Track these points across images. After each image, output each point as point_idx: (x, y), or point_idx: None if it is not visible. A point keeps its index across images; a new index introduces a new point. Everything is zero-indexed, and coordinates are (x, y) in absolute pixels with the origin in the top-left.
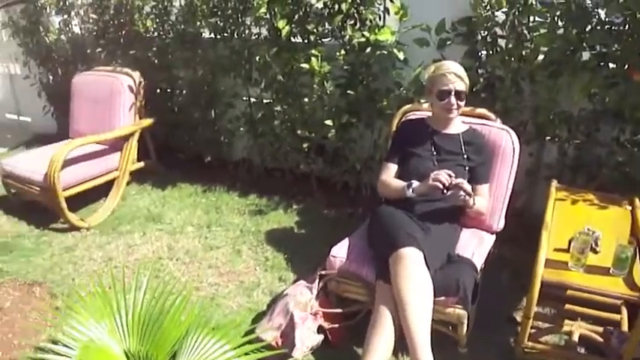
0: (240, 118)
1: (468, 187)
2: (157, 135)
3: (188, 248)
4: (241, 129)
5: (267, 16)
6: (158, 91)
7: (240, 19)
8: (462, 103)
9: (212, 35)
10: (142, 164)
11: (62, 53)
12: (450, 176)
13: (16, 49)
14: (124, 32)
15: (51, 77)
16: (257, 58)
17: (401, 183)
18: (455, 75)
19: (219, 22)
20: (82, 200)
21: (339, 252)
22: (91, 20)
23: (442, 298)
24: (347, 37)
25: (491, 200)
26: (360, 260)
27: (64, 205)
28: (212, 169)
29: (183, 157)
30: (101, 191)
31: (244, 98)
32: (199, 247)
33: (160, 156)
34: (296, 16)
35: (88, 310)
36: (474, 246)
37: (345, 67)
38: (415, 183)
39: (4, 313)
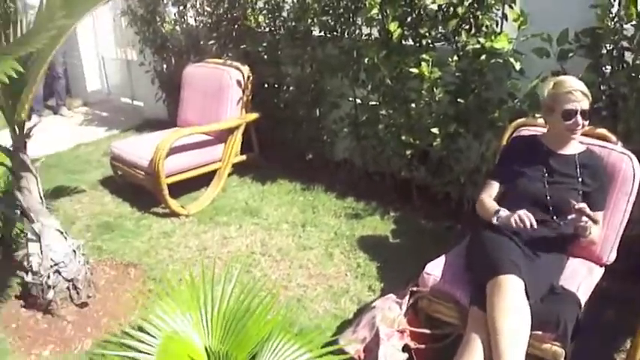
0: (345, 118)
1: (591, 213)
2: (261, 129)
3: (281, 246)
4: (345, 130)
5: (379, 17)
6: (265, 86)
7: (351, 19)
8: (587, 123)
9: (322, 33)
10: (244, 157)
11: (176, 43)
12: (569, 203)
13: (133, 37)
14: (236, 26)
15: (164, 66)
16: (366, 59)
17: (493, 206)
18: (581, 93)
19: (329, 21)
20: (184, 188)
21: (434, 270)
22: (205, 13)
23: (539, 332)
24: (461, 42)
25: (604, 229)
26: (455, 281)
27: (166, 191)
28: (312, 168)
29: (285, 154)
30: (203, 181)
31: (350, 99)
32: (292, 245)
33: (262, 150)
34: (408, 19)
35: (176, 300)
36: (581, 278)
37: (457, 74)
38: (503, 212)
39: (98, 291)
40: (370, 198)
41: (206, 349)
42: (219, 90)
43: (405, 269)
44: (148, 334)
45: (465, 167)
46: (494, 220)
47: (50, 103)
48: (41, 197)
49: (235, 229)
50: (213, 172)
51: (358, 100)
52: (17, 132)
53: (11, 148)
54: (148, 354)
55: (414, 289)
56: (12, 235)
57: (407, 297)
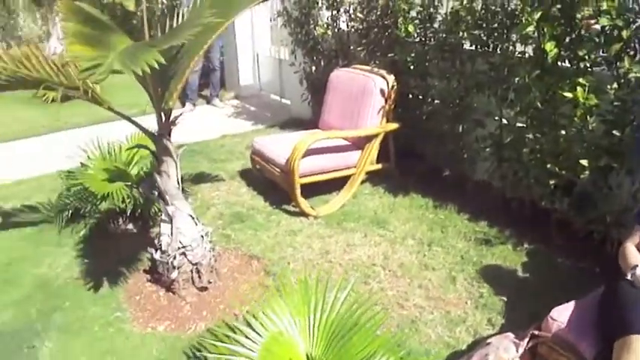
0: (488, 138)
1: None
2: (400, 140)
3: (403, 261)
4: (487, 150)
5: (535, 34)
6: (410, 96)
7: (504, 35)
8: None
9: (472, 47)
10: (379, 166)
11: (326, 47)
12: None
13: (287, 37)
14: (386, 34)
15: (313, 67)
16: (516, 78)
17: (634, 259)
18: None
19: (482, 35)
20: (316, 189)
21: (560, 315)
22: (357, 18)
23: None
24: (623, 69)
25: None
26: (582, 332)
27: (298, 190)
28: (448, 185)
29: (422, 167)
30: (335, 185)
31: (496, 118)
32: (415, 263)
33: (398, 161)
34: (567, 39)
35: (288, 301)
36: None
37: (615, 103)
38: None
39: (220, 278)
40: (504, 225)
41: (307, 357)
42: (362, 96)
43: (529, 308)
44: (255, 330)
45: (612, 206)
46: (629, 276)
47: (205, 94)
48: (178, 182)
49: (360, 238)
50: (346, 178)
51: (504, 121)
52: (163, 119)
53: (156, 134)
54: (251, 350)
55: (536, 332)
56: (150, 214)
57: (526, 340)
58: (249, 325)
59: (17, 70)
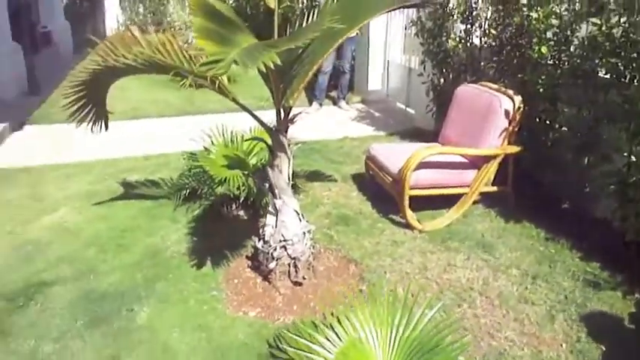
0: (613, 174)
1: None
2: (520, 164)
3: (503, 291)
4: (611, 187)
5: None
6: (537, 120)
7: None
8: None
9: (608, 76)
10: (494, 188)
11: (456, 60)
12: None
13: (418, 47)
14: (518, 53)
15: (442, 80)
16: None
17: None
18: None
19: (619, 65)
20: (425, 203)
21: None
22: (490, 35)
23: None
24: None
25: None
26: None
27: (407, 201)
28: (564, 218)
29: (539, 195)
30: (446, 201)
31: (624, 154)
32: (515, 294)
33: (515, 186)
34: None
35: (374, 310)
36: None
37: None
38: None
39: (315, 276)
40: (618, 269)
41: None
42: (486, 115)
43: None
44: (336, 333)
45: None
46: None
47: (332, 95)
48: (289, 177)
49: (462, 259)
50: (458, 196)
51: (633, 158)
52: (282, 115)
53: (273, 129)
54: (329, 352)
55: None
56: (261, 204)
57: None
58: (331, 326)
59: (153, 56)
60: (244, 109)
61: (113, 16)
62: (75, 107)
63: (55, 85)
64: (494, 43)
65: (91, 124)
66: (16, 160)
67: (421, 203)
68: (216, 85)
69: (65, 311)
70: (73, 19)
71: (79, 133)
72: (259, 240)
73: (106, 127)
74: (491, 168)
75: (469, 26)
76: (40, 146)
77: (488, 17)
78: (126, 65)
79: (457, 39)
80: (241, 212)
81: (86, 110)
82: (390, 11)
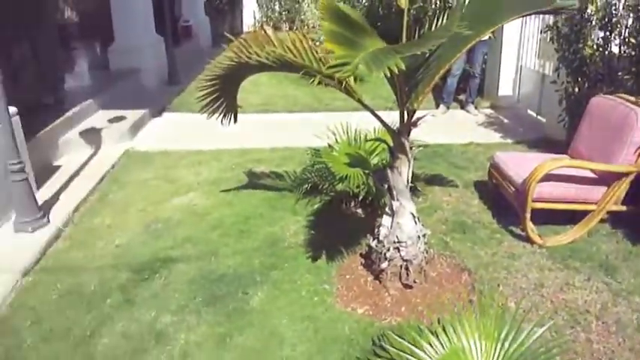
0: None
1: None
2: None
3: (621, 317)
4: None
5: None
6: None
7: None
8: None
9: None
10: (624, 208)
11: (593, 69)
12: None
13: (552, 53)
14: None
15: (576, 89)
16: None
17: None
18: None
19: None
20: (549, 217)
21: None
22: (630, 44)
23: None
24: None
25: None
26: None
27: (529, 214)
28: None
29: None
30: (570, 217)
31: None
32: (635, 323)
33: None
34: None
35: (481, 322)
36: None
37: None
38: None
39: (426, 281)
40: None
41: None
42: (620, 129)
43: None
44: (440, 340)
45: None
46: None
47: (461, 98)
48: (408, 180)
49: (581, 280)
50: (584, 212)
51: None
52: (405, 118)
53: (396, 130)
54: (430, 357)
55: None
56: (380, 203)
57: None
58: (436, 333)
59: (283, 55)
60: (368, 109)
61: (250, 13)
62: (208, 100)
63: (193, 77)
64: (634, 53)
65: (221, 116)
66: (154, 144)
67: (544, 217)
68: (343, 86)
69: (185, 287)
70: (213, 15)
71: (212, 122)
72: (374, 239)
73: (235, 120)
74: (623, 186)
75: (608, 33)
76: (176, 132)
77: (629, 25)
78: (258, 62)
79: (594, 46)
80: (359, 210)
81: (218, 103)
82: (524, 16)
